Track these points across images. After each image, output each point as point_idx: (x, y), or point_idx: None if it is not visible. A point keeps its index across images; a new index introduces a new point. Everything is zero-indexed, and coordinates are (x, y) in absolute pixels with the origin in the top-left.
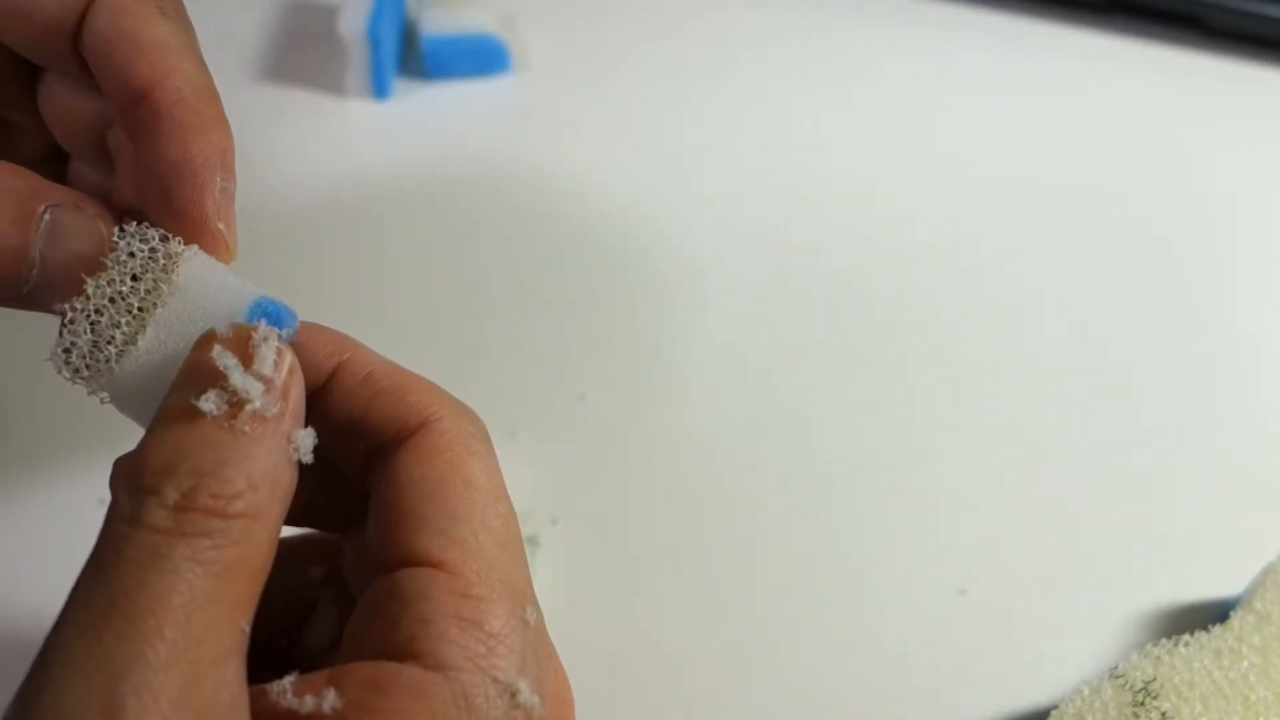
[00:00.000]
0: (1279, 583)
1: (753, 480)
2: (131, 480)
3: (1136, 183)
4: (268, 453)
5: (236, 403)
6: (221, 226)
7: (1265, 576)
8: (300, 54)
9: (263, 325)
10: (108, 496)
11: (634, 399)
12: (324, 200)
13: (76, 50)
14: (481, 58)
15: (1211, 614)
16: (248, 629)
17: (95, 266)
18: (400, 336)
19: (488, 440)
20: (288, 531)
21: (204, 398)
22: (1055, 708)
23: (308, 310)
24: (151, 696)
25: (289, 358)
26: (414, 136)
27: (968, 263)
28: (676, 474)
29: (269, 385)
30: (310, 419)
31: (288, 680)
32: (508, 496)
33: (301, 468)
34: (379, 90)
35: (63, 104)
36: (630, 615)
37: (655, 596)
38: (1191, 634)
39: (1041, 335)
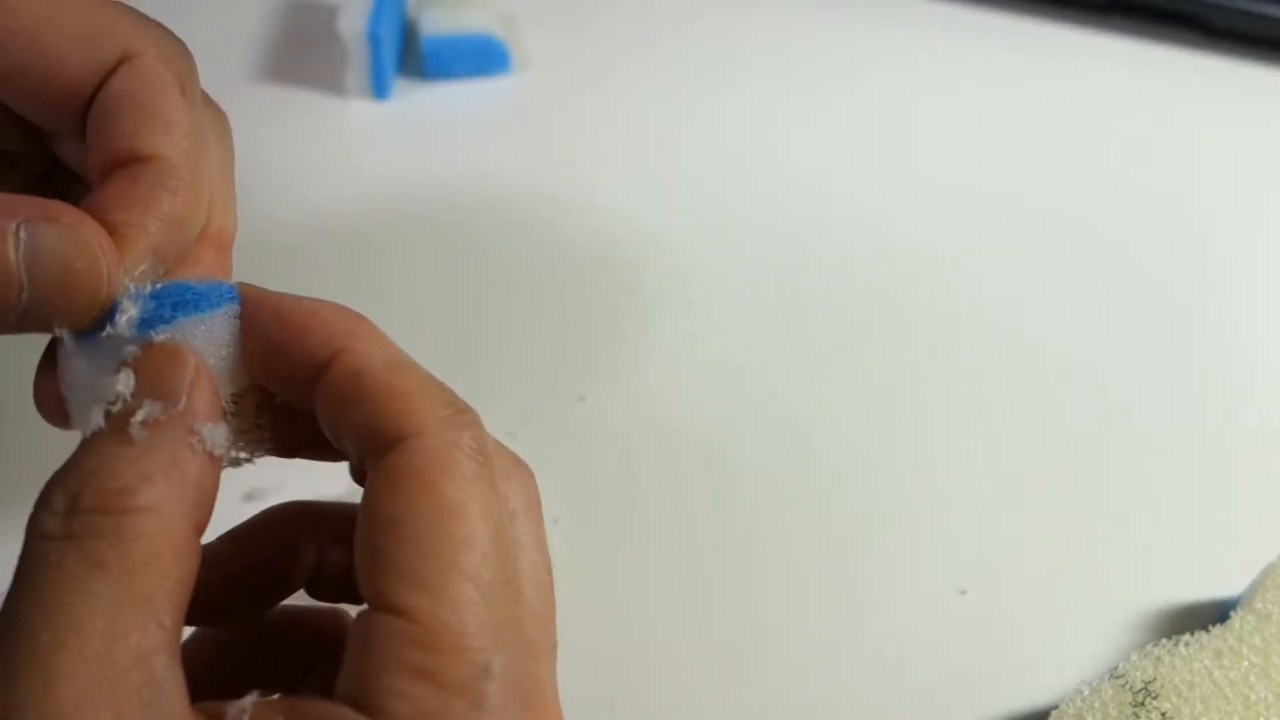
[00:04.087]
0: (1279, 583)
1: (753, 480)
2: (35, 502)
3: (1136, 182)
4: (164, 447)
5: (126, 411)
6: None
7: (1265, 576)
8: (300, 54)
9: (156, 336)
10: None
11: (634, 399)
12: (323, 200)
13: (83, 111)
14: (481, 58)
15: (1211, 614)
16: (169, 623)
17: (90, 279)
18: (399, 337)
19: (479, 453)
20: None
21: (92, 417)
22: (1055, 708)
23: None
24: (55, 704)
25: (190, 360)
26: (414, 136)
27: (967, 262)
28: (676, 474)
29: (158, 391)
30: (298, 417)
31: (248, 700)
32: (496, 519)
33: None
34: (379, 90)
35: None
36: (630, 615)
37: (655, 596)
38: (1192, 634)
39: (1041, 335)
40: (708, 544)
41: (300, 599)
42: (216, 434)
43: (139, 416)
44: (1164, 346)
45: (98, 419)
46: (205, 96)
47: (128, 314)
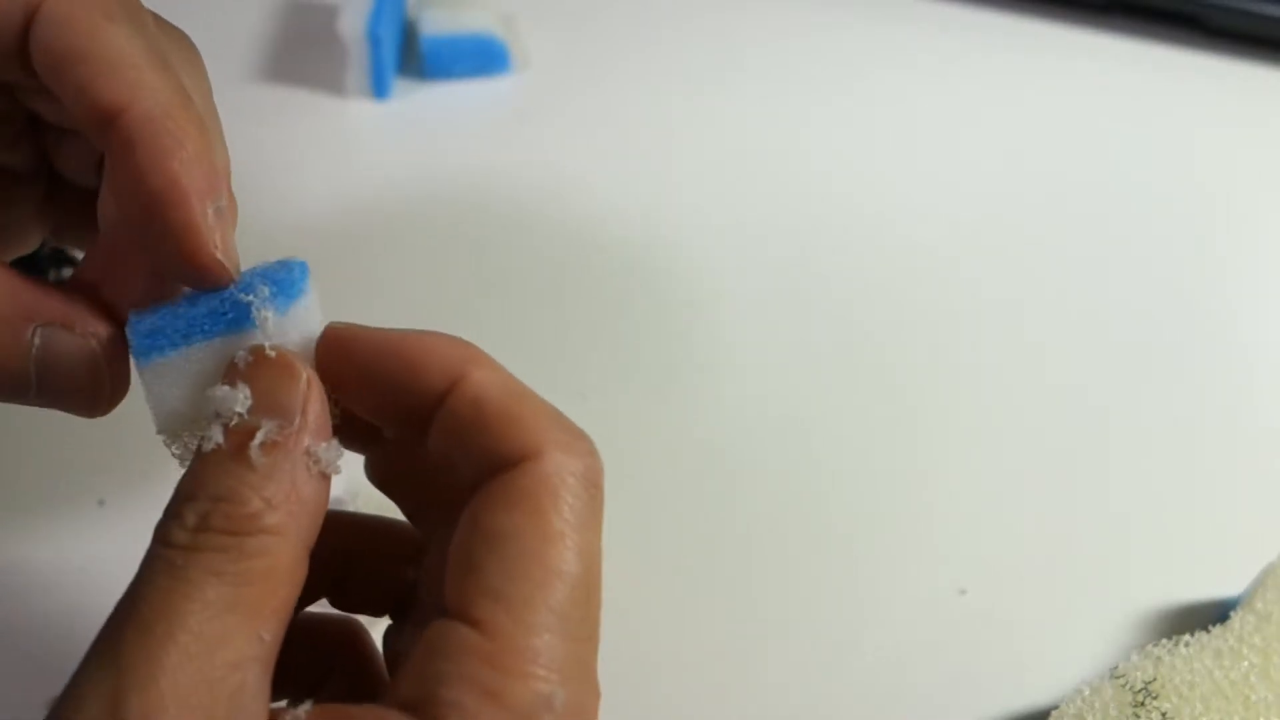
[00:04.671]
0: (1279, 583)
1: (753, 480)
2: (165, 510)
3: (1136, 182)
4: (284, 472)
5: (245, 430)
6: (219, 255)
7: (1265, 576)
8: (300, 54)
9: (266, 349)
10: (108, 498)
11: (634, 399)
12: (323, 200)
13: (30, 67)
14: (481, 58)
15: (1211, 614)
16: (269, 638)
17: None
18: None
19: (591, 485)
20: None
21: (211, 433)
22: (1055, 708)
23: None
24: (157, 694)
25: (303, 375)
26: (414, 136)
27: (966, 262)
28: (676, 474)
29: (274, 408)
30: (411, 445)
31: (303, 709)
32: (591, 555)
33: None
34: (379, 90)
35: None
36: (629, 615)
37: (655, 596)
38: (1192, 634)
39: (1041, 335)
40: (708, 544)
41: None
42: (330, 453)
43: (259, 439)
44: (1164, 346)
45: (216, 436)
46: (160, 21)
47: (263, 295)
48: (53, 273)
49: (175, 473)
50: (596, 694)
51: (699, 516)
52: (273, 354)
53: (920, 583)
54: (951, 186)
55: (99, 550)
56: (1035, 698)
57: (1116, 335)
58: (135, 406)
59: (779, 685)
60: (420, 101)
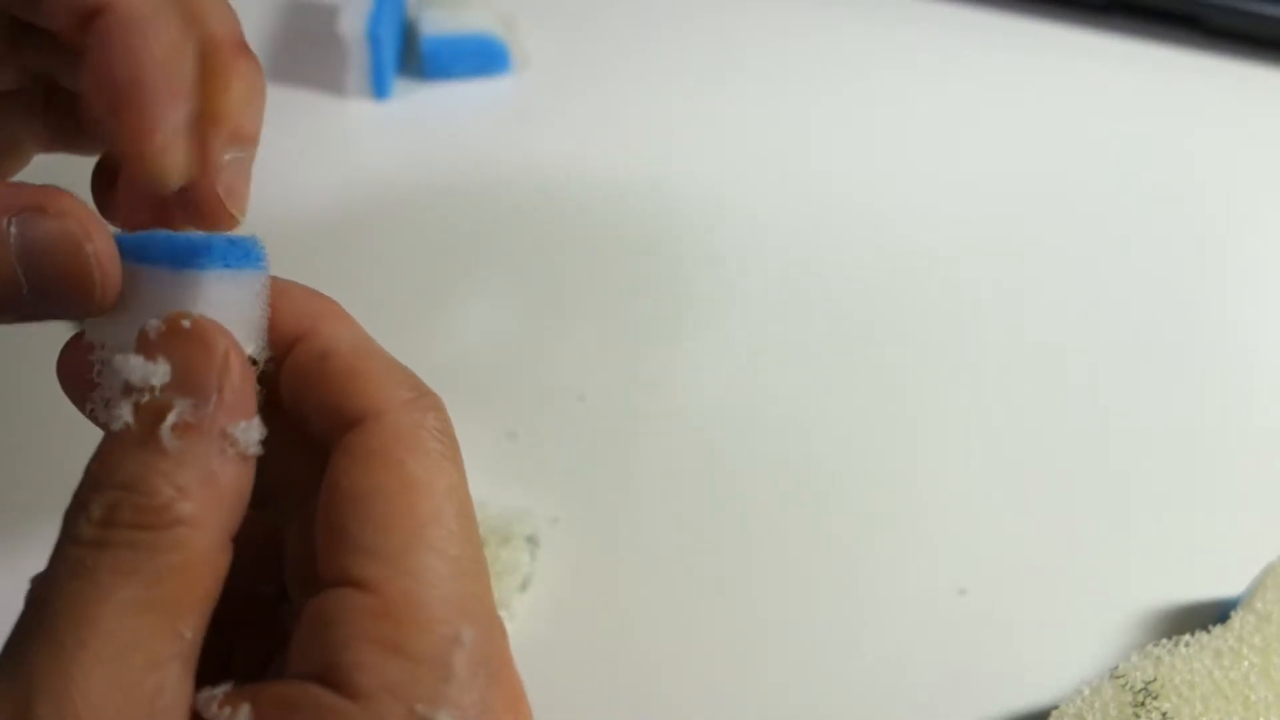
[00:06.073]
0: (1279, 583)
1: (752, 480)
2: (74, 495)
3: (1135, 182)
4: (198, 457)
5: (156, 409)
6: (171, 158)
7: (1265, 576)
8: (300, 54)
9: (180, 316)
10: None
11: (634, 399)
12: (323, 200)
13: None
14: (481, 58)
15: (1211, 614)
16: (190, 634)
17: (82, 274)
18: (399, 337)
19: (443, 434)
20: None
21: (119, 410)
22: (1055, 708)
23: None
24: (70, 705)
25: (220, 347)
26: (414, 136)
27: (966, 262)
28: (676, 474)
29: (187, 385)
30: (269, 399)
31: (220, 690)
32: (461, 497)
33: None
34: (379, 90)
35: None
36: (629, 615)
37: (654, 596)
38: (1192, 634)
39: (1041, 335)
40: (708, 544)
41: None
42: (250, 433)
43: (170, 420)
44: (1164, 346)
45: (125, 414)
46: None
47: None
48: None
49: None
50: (501, 628)
51: (698, 517)
52: (188, 324)
53: (920, 583)
54: (951, 186)
55: None
56: (1035, 698)
57: (1116, 335)
58: None
59: (779, 685)
60: (420, 101)
